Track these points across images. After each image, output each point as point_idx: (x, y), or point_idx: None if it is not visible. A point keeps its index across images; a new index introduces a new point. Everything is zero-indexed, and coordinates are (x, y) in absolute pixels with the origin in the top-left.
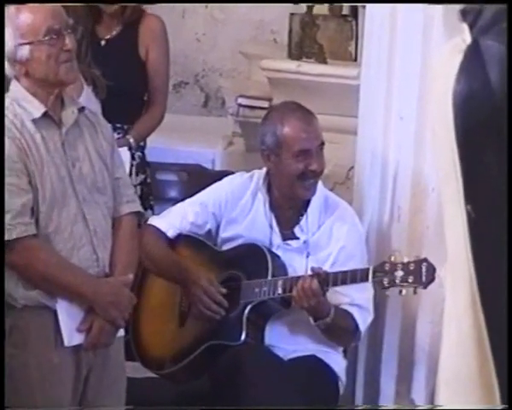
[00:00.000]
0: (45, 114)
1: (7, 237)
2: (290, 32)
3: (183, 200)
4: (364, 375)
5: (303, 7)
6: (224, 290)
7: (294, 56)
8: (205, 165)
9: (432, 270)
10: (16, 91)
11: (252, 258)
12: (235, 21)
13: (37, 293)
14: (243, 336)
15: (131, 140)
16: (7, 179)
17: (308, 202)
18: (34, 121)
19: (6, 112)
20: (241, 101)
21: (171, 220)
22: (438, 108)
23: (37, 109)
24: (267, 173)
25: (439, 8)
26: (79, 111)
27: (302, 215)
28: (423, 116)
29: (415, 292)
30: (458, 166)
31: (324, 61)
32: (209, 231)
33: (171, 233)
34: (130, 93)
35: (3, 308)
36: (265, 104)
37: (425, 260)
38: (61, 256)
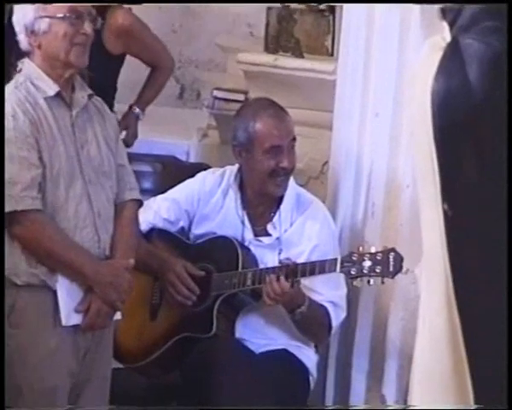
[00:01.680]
0: (58, 94)
1: (13, 208)
2: (267, 25)
3: (157, 191)
4: (335, 370)
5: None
6: (201, 273)
7: (271, 50)
8: (179, 156)
9: (399, 260)
10: (30, 69)
11: (222, 251)
12: (211, 13)
13: (40, 271)
14: (214, 329)
15: (137, 110)
16: (18, 152)
17: (281, 199)
18: (46, 100)
19: (19, 88)
20: (217, 93)
21: (145, 215)
22: (416, 106)
23: (51, 88)
24: (239, 170)
25: (416, 4)
26: (89, 97)
27: (275, 212)
28: (399, 113)
29: (382, 282)
30: (436, 165)
31: (301, 56)
32: (182, 228)
33: (143, 227)
34: (99, 85)
35: (3, 308)
36: (241, 97)
37: (392, 249)
38: (65, 234)
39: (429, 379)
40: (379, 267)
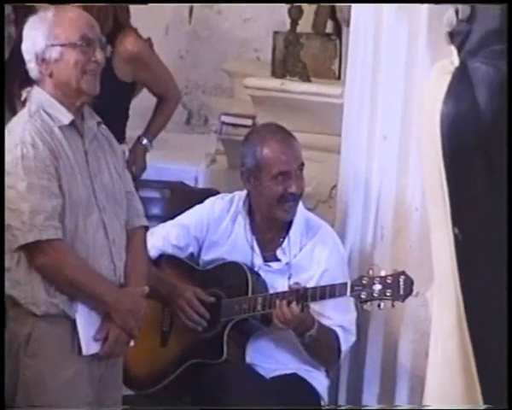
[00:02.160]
0: (72, 123)
1: (37, 238)
2: (274, 50)
3: (165, 217)
4: (346, 394)
5: (286, 25)
6: (211, 299)
7: (278, 74)
8: (188, 182)
9: (409, 283)
10: (41, 98)
11: (232, 276)
12: (218, 38)
13: (59, 300)
14: (224, 355)
15: (144, 141)
16: (39, 181)
17: (290, 225)
18: (61, 128)
19: (34, 117)
20: (225, 118)
21: (154, 241)
22: (426, 129)
23: (65, 117)
24: (248, 195)
25: (423, 27)
26: (97, 125)
27: (284, 237)
28: (407, 136)
29: (393, 305)
30: (446, 188)
31: (308, 80)
32: (191, 254)
33: (152, 253)
34: (108, 111)
35: (3, 309)
36: (248, 122)
37: (403, 273)
38: (86, 262)
39: (441, 400)
40: (389, 291)
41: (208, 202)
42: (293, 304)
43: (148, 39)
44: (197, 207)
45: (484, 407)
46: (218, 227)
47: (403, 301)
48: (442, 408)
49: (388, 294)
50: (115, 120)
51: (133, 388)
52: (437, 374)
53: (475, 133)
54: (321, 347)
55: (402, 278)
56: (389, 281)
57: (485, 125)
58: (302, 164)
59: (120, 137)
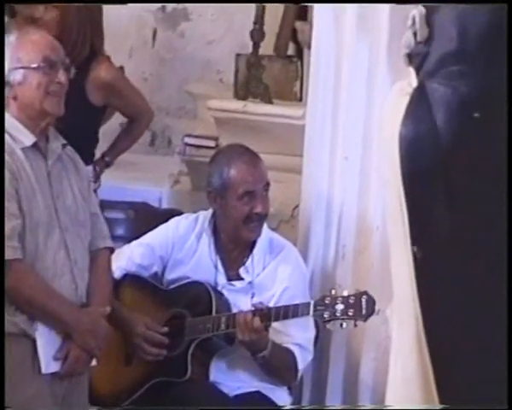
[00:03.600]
0: (34, 145)
1: None
2: (236, 72)
3: (130, 237)
4: None
5: (249, 47)
6: (164, 329)
7: (240, 96)
8: (152, 203)
9: (372, 303)
10: (6, 120)
11: (196, 296)
12: (181, 61)
13: (19, 319)
14: (188, 373)
15: (107, 159)
16: None
17: (253, 244)
18: (24, 150)
19: None
20: (188, 140)
21: (118, 262)
22: (385, 150)
23: (28, 138)
24: (213, 215)
25: (383, 49)
26: (62, 147)
27: (247, 256)
28: (368, 156)
29: (355, 325)
30: (405, 208)
31: (270, 101)
32: (155, 273)
33: (117, 274)
34: (79, 133)
35: (3, 309)
36: (212, 143)
37: (365, 292)
38: (45, 282)
39: None
40: (352, 311)
41: (173, 221)
42: (256, 319)
43: (121, 68)
44: (162, 227)
45: (440, 406)
46: (182, 246)
47: (365, 320)
48: (406, 409)
49: (351, 313)
50: (84, 142)
51: (97, 405)
52: (397, 390)
53: (434, 154)
54: (275, 366)
55: (364, 298)
56: (351, 301)
57: (443, 145)
58: (267, 184)
59: (89, 159)
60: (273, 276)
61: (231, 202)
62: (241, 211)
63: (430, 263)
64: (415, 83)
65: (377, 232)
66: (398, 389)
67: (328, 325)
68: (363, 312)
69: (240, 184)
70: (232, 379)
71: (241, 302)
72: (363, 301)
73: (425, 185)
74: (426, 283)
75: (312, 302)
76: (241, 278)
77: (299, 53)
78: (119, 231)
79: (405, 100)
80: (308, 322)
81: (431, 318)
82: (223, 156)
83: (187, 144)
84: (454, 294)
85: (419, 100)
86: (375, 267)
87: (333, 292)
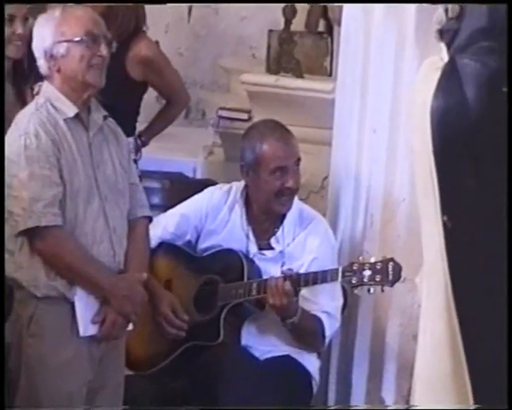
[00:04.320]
0: (76, 116)
1: (36, 224)
2: (269, 47)
3: (165, 206)
4: (337, 374)
5: (281, 24)
6: (185, 317)
7: (272, 71)
8: (187, 173)
9: (398, 269)
10: (49, 91)
11: (228, 263)
12: (215, 37)
13: (59, 283)
14: (221, 337)
15: (143, 138)
16: (41, 171)
17: (284, 215)
18: (66, 121)
19: (40, 109)
20: (222, 113)
21: (154, 231)
22: (416, 122)
23: (71, 110)
24: (245, 186)
25: (411, 25)
26: (104, 118)
27: (278, 227)
28: (395, 129)
29: (382, 290)
30: (435, 179)
31: (301, 76)
32: (189, 242)
33: (152, 243)
34: (119, 110)
35: (3, 309)
36: (244, 116)
37: (392, 259)
38: (84, 249)
39: (431, 381)
40: (379, 276)
41: (207, 191)
42: (287, 283)
43: (156, 42)
44: (196, 197)
45: (474, 406)
46: (216, 216)
47: (391, 286)
48: (432, 409)
49: (378, 279)
50: (126, 115)
51: (133, 368)
52: (426, 357)
53: (463, 127)
54: (304, 333)
55: (391, 265)
56: (379, 267)
57: (472, 119)
58: (299, 159)
59: (130, 131)
60: (302, 246)
61: (263, 176)
62: (272, 185)
63: (459, 232)
64: (446, 58)
65: (404, 203)
66: (427, 355)
67: (355, 291)
68: (390, 277)
69: (272, 159)
70: (263, 343)
71: (272, 271)
72: (390, 267)
73: (455, 156)
74: (455, 251)
75: (341, 268)
76: (272, 248)
77: (330, 29)
78: (155, 201)
79: (437, 74)
80: (336, 291)
81: (460, 285)
82: (256, 132)
83: (221, 117)
84: (483, 262)
85: (450, 74)
86: (400, 237)
87: (360, 259)
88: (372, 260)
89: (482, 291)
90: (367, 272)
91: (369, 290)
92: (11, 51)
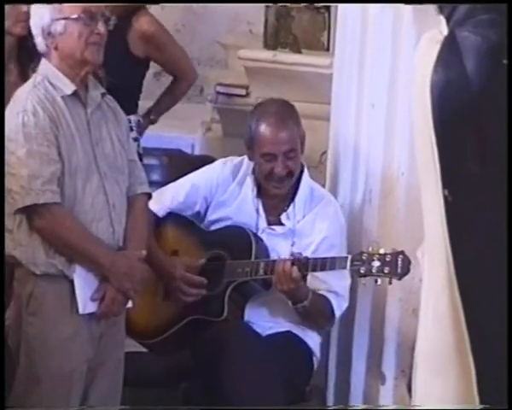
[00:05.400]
0: (74, 93)
1: (34, 201)
2: (266, 23)
3: (164, 183)
4: (337, 350)
5: None
6: (202, 261)
7: (270, 46)
8: (185, 149)
9: (407, 262)
10: (46, 69)
11: (237, 239)
12: (212, 13)
13: (58, 261)
14: (225, 313)
15: (152, 117)
16: (39, 148)
17: (295, 192)
18: (64, 98)
19: (38, 87)
20: (220, 89)
21: (163, 200)
22: (416, 96)
23: (68, 87)
24: None
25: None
26: (102, 96)
27: (289, 204)
28: (393, 104)
29: (390, 282)
30: (436, 152)
31: (299, 51)
32: (198, 213)
33: (161, 213)
34: (121, 88)
35: (3, 309)
36: (242, 92)
37: (401, 252)
38: (83, 226)
39: (433, 356)
40: (387, 268)
41: (219, 163)
42: (295, 269)
43: None
44: (208, 168)
45: (480, 406)
46: (226, 188)
47: (400, 279)
48: (433, 408)
49: (386, 271)
50: (129, 93)
51: (135, 338)
52: (427, 332)
53: (464, 100)
54: (314, 315)
55: (400, 258)
56: (388, 259)
57: (472, 92)
58: (292, 150)
59: (133, 109)
60: (312, 225)
61: (256, 157)
62: (263, 168)
63: (461, 206)
64: (445, 31)
65: (402, 178)
66: (429, 330)
67: (363, 280)
68: (399, 271)
69: (262, 143)
70: (265, 319)
71: (280, 247)
72: (400, 260)
73: (456, 130)
74: (456, 225)
75: (350, 257)
76: (282, 224)
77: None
78: (154, 177)
79: (436, 47)
80: (344, 271)
81: (462, 259)
82: (256, 111)
83: (219, 93)
84: (484, 235)
85: (450, 48)
86: (400, 212)
87: (370, 249)
88: (382, 251)
89: (484, 265)
90: (376, 263)
91: (376, 281)
92: (16, 29)
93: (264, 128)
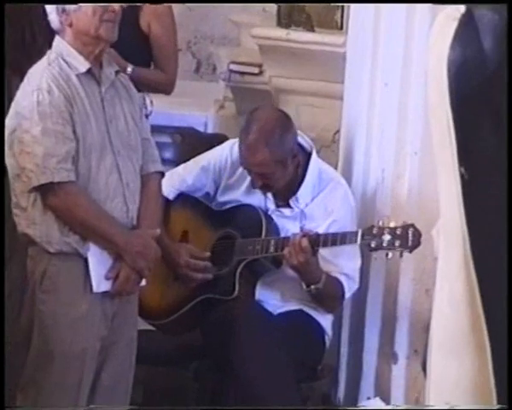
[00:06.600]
0: (89, 71)
1: (49, 180)
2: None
3: (177, 161)
4: (349, 329)
5: None
6: (207, 254)
7: (283, 25)
8: (198, 128)
9: (418, 235)
10: (61, 47)
11: (247, 218)
12: None
13: (72, 239)
14: (236, 292)
15: (129, 69)
16: (54, 126)
17: (303, 175)
18: (78, 76)
19: (52, 64)
20: (233, 67)
21: (172, 182)
22: (433, 73)
23: (83, 65)
24: None
25: None
26: (116, 73)
27: (297, 187)
28: (407, 83)
29: (401, 255)
30: (452, 130)
31: (312, 30)
32: (207, 194)
33: (171, 196)
34: (132, 61)
35: (3, 309)
36: (255, 70)
37: (412, 225)
38: (97, 204)
39: (448, 340)
40: (398, 241)
41: (228, 144)
42: (305, 239)
43: None
44: (217, 149)
45: (497, 406)
46: (234, 171)
47: (410, 252)
48: (442, 409)
49: (397, 244)
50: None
51: (146, 319)
52: (443, 313)
53: (481, 77)
54: (326, 297)
55: (411, 230)
56: (398, 232)
57: (489, 69)
58: (261, 173)
59: None
60: (321, 207)
61: None
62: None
63: (477, 184)
64: (463, 9)
65: (415, 157)
66: (445, 311)
67: (374, 254)
68: (409, 243)
69: (239, 154)
70: (276, 298)
71: (290, 229)
72: (410, 233)
73: (472, 108)
74: (473, 204)
75: (360, 231)
76: (290, 207)
77: None
78: (167, 155)
79: (453, 25)
80: (355, 252)
81: (478, 240)
82: (247, 117)
83: (232, 71)
84: (500, 215)
85: (467, 25)
86: (412, 192)
87: (380, 223)
88: (392, 224)
89: (501, 245)
90: (386, 237)
91: (387, 255)
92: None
93: (240, 142)
